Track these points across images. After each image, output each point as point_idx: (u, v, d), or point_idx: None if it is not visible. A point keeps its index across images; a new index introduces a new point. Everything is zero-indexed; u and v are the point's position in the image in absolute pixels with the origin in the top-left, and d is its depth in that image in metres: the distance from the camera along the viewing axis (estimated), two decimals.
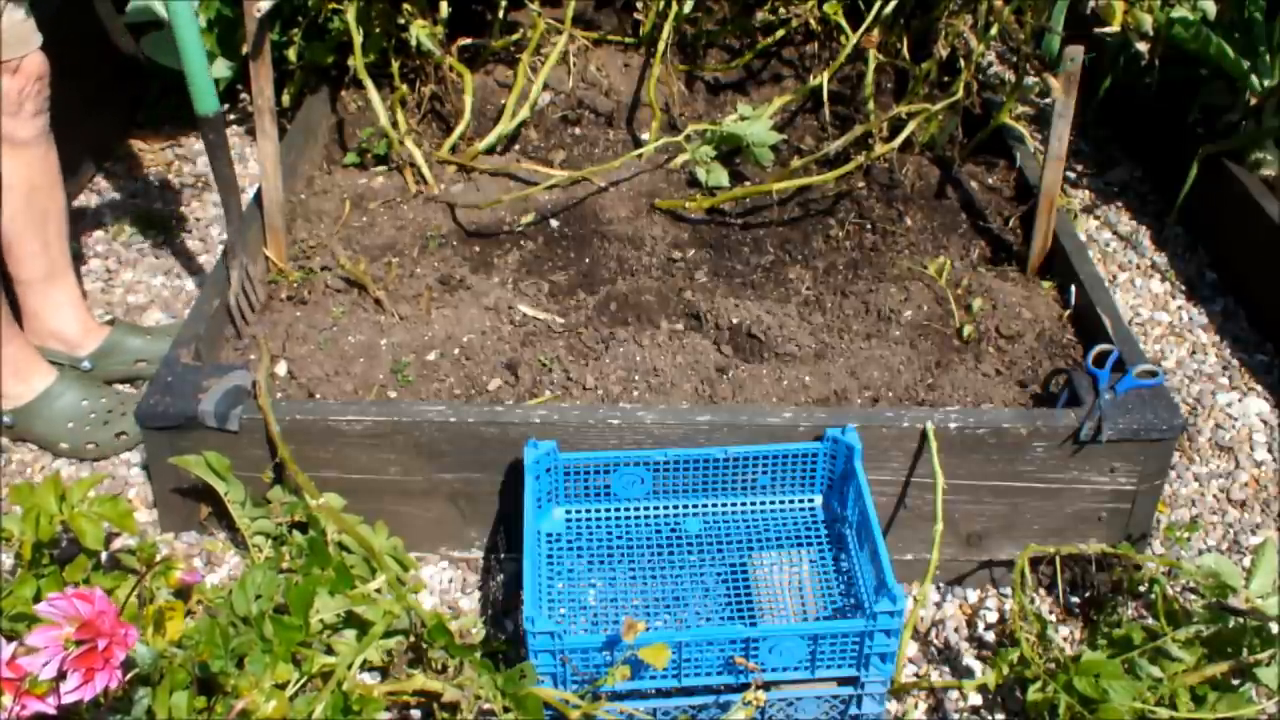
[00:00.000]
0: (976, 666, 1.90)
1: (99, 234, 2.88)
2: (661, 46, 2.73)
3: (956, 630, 1.96)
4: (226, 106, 3.38)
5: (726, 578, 1.85)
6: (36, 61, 2.09)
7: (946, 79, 2.74)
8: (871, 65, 2.66)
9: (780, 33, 2.89)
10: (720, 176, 2.56)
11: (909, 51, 2.77)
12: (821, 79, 2.65)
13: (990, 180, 2.68)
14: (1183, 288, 2.77)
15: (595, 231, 2.49)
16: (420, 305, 2.25)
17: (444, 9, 2.69)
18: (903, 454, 1.92)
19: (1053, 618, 1.97)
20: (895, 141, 2.46)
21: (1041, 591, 2.02)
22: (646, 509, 1.94)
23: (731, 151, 2.61)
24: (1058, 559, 1.97)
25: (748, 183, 2.61)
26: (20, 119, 2.10)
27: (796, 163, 2.52)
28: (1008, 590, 2.02)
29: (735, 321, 2.22)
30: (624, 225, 2.51)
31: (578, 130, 2.82)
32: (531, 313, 2.26)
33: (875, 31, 2.64)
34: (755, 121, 2.48)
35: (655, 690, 1.69)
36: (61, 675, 1.36)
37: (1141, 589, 1.94)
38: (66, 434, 2.23)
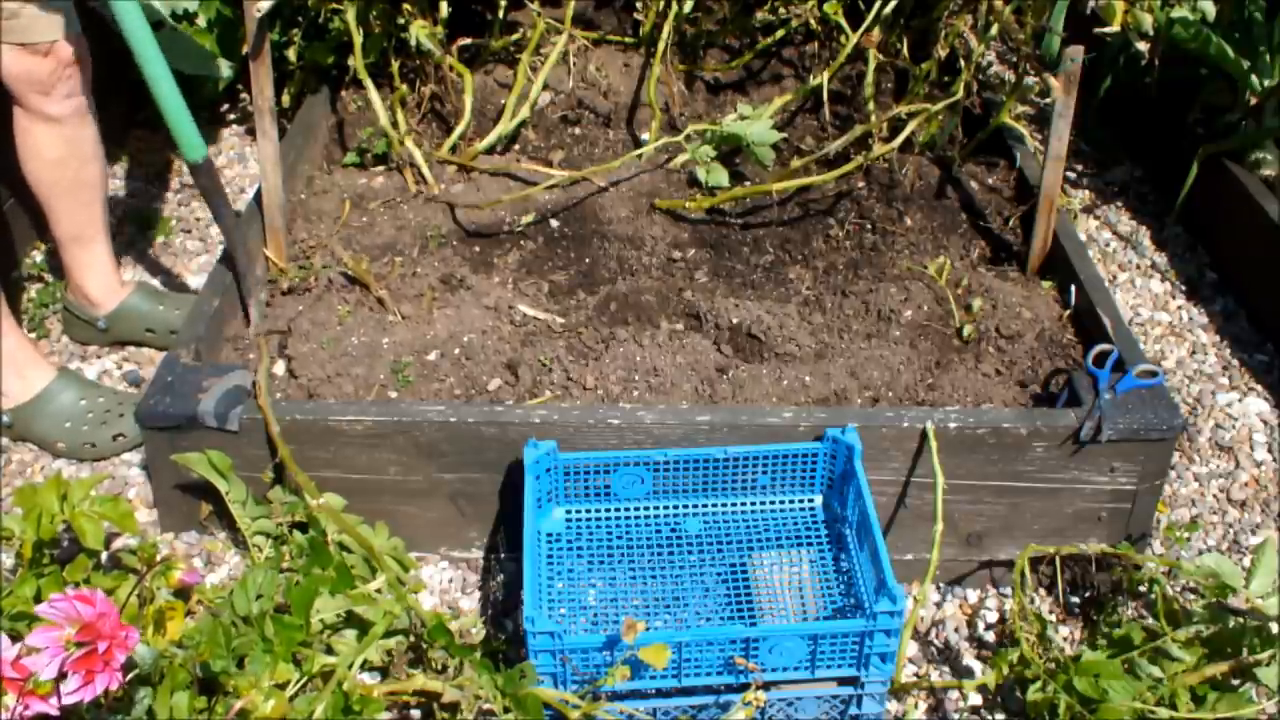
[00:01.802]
0: (976, 666, 1.90)
1: None
2: (661, 46, 2.73)
3: (956, 630, 1.96)
4: (226, 106, 3.38)
5: (726, 578, 1.85)
6: (68, 48, 2.11)
7: (946, 79, 2.74)
8: (871, 65, 2.66)
9: (780, 33, 2.89)
10: (720, 176, 2.55)
11: (909, 51, 2.77)
12: (821, 79, 2.65)
13: (990, 180, 2.68)
14: (1183, 288, 2.77)
15: (595, 231, 2.49)
16: (423, 305, 2.25)
17: (444, 9, 2.69)
18: (903, 454, 1.92)
19: (1053, 618, 1.97)
20: (895, 141, 2.46)
21: (1041, 591, 2.02)
22: (646, 509, 1.94)
23: (731, 151, 2.61)
24: (1058, 559, 1.97)
25: (748, 183, 2.61)
26: (52, 99, 2.14)
27: (796, 163, 2.52)
28: (1008, 590, 2.02)
29: (735, 321, 2.22)
30: (624, 225, 2.51)
31: (577, 130, 2.82)
32: (531, 313, 2.26)
33: (875, 31, 2.64)
34: (755, 121, 2.48)
35: (655, 690, 1.69)
36: (62, 676, 1.37)
37: (1141, 589, 1.94)
38: (64, 434, 2.23)
